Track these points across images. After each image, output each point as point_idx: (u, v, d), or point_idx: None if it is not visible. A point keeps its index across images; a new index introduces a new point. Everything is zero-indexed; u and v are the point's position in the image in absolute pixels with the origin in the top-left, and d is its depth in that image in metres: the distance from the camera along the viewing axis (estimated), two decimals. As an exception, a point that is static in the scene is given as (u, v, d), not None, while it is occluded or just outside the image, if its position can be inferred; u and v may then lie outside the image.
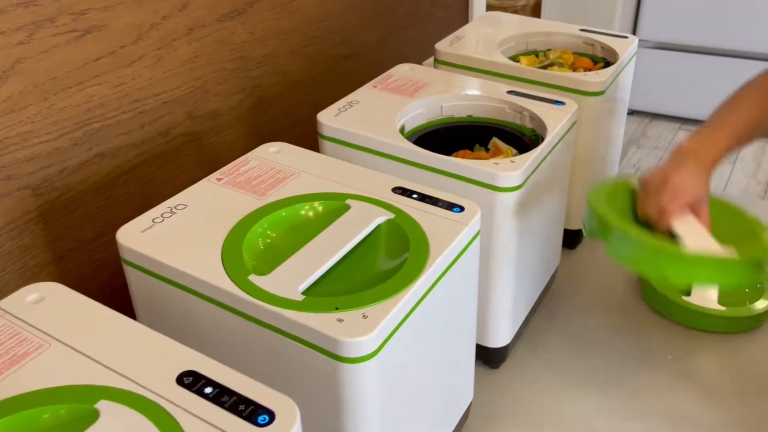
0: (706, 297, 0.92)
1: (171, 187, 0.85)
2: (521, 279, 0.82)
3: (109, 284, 0.79)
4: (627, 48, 1.06)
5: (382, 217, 0.63)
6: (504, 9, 2.93)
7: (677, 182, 0.74)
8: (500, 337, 0.84)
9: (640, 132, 3.12)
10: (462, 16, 1.46)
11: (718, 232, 0.75)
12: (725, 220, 0.78)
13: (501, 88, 0.91)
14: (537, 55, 1.11)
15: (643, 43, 3.12)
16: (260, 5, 0.91)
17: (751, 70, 0.82)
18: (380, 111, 0.84)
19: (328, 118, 0.82)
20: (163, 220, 0.62)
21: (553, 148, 0.81)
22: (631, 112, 3.28)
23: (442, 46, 1.05)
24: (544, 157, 0.79)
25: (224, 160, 0.92)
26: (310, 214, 0.64)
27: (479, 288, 0.79)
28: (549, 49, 1.13)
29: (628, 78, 1.10)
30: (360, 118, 0.82)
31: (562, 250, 1.08)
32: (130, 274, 0.60)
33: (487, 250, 0.77)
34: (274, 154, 0.74)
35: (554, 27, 1.14)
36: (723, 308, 0.90)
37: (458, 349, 0.70)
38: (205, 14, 0.83)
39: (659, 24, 2.97)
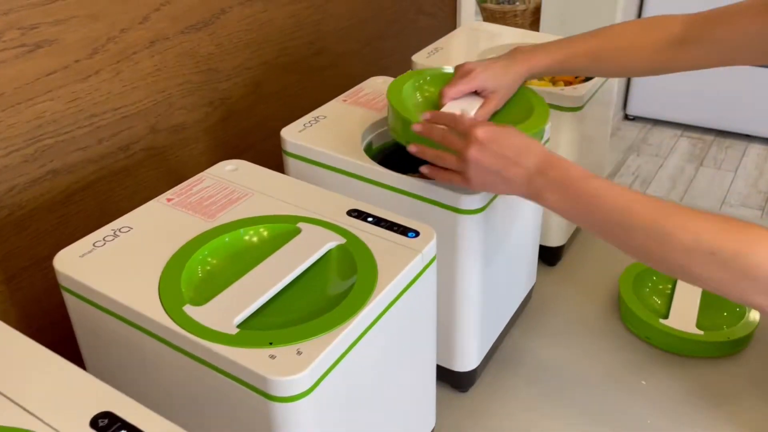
0: (685, 320, 0.90)
1: (132, 202, 0.83)
2: (489, 300, 0.80)
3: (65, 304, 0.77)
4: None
5: (333, 242, 0.61)
6: (503, 14, 2.90)
7: (472, 67, 0.77)
8: (468, 360, 0.82)
9: (641, 138, 3.08)
10: (449, 25, 1.44)
11: (506, 115, 0.80)
12: (519, 104, 0.80)
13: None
14: (518, 68, 1.09)
15: (644, 49, 3.09)
16: (228, 17, 0.89)
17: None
18: (347, 127, 0.81)
19: (291, 134, 0.80)
20: (104, 243, 0.60)
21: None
22: (632, 118, 3.24)
23: (419, 57, 1.03)
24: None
25: (190, 174, 0.89)
26: (255, 239, 0.62)
27: (444, 310, 0.77)
28: (531, 61, 1.10)
29: (613, 91, 1.07)
30: (325, 134, 0.80)
31: (540, 267, 1.06)
32: (69, 300, 0.58)
33: (450, 272, 0.74)
34: (230, 172, 0.72)
35: (538, 37, 1.12)
36: (701, 332, 0.88)
37: (415, 377, 0.68)
38: (168, 26, 0.81)
39: (661, 29, 2.94)
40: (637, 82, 3.09)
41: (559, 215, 0.64)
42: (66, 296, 0.58)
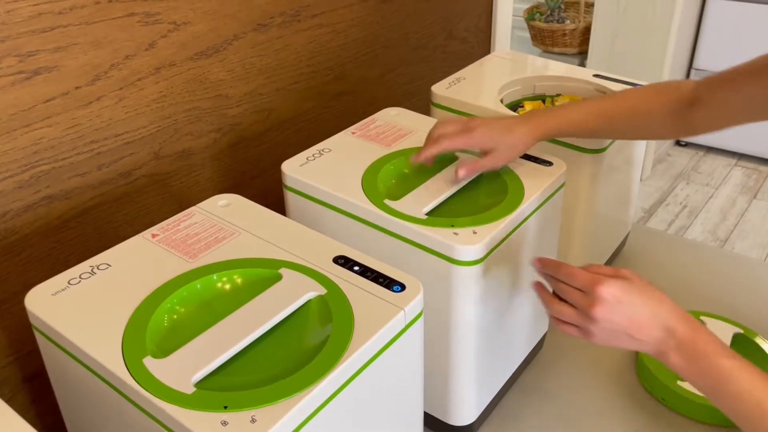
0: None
1: (133, 228, 0.82)
2: (489, 352, 0.76)
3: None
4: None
5: (312, 293, 0.58)
6: (551, 32, 2.83)
7: (474, 123, 0.76)
8: (464, 414, 0.78)
9: (692, 166, 2.96)
10: (483, 50, 1.40)
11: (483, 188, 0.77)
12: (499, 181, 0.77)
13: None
14: (544, 101, 1.04)
15: (699, 73, 2.96)
16: (241, 43, 0.87)
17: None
18: (350, 163, 0.79)
19: (292, 168, 0.78)
20: (80, 281, 0.59)
21: (530, 215, 0.74)
22: (684, 145, 3.11)
23: (439, 88, 0.99)
24: (517, 226, 0.72)
25: (196, 200, 0.88)
26: (228, 287, 0.59)
27: (440, 362, 0.73)
28: (558, 95, 1.05)
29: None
30: (327, 169, 0.77)
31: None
32: (39, 339, 0.57)
33: (446, 322, 0.71)
34: (222, 208, 0.70)
35: (566, 71, 1.07)
36: (722, 399, 0.81)
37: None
38: (175, 53, 0.80)
39: (717, 53, 2.82)
40: (690, 107, 2.97)
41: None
42: (36, 335, 0.57)
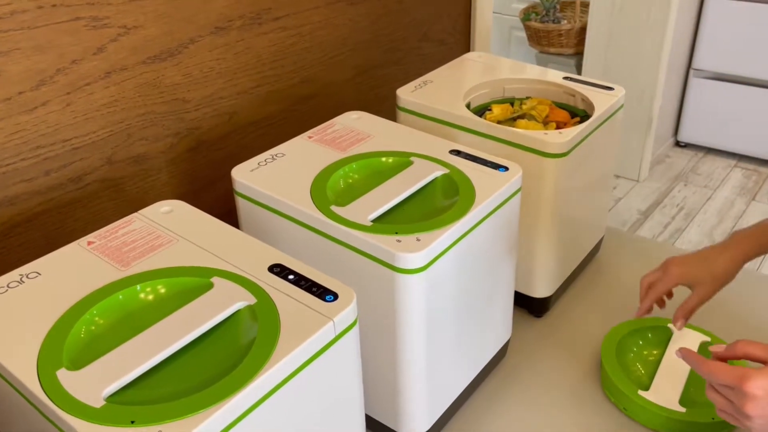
0: (667, 394, 0.81)
1: (84, 234, 0.81)
2: (439, 361, 0.74)
3: None
4: (608, 102, 0.95)
5: (241, 303, 0.57)
6: (547, 33, 2.81)
7: (669, 263, 0.83)
8: (416, 423, 0.76)
9: (690, 167, 2.92)
10: (461, 52, 1.38)
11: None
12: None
13: (445, 146, 0.83)
14: (512, 104, 1.02)
15: (698, 73, 2.93)
16: (198, 46, 0.87)
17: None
18: (302, 168, 0.77)
19: (242, 174, 0.77)
20: (6, 290, 0.58)
21: (480, 221, 0.72)
22: (684, 145, 3.08)
23: (404, 91, 0.98)
24: (466, 233, 0.70)
25: (153, 203, 0.88)
26: (152, 297, 0.58)
27: (388, 371, 0.72)
28: (527, 98, 1.03)
29: (612, 132, 0.99)
30: (277, 175, 0.76)
31: (524, 318, 0.99)
32: (-38, 348, 0.56)
33: (392, 331, 0.69)
34: (164, 215, 0.69)
35: (536, 73, 1.05)
36: (683, 409, 0.79)
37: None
38: (127, 57, 0.79)
39: (716, 53, 2.78)
40: (689, 106, 2.94)
41: None
42: (-40, 344, 0.56)
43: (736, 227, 2.50)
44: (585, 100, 0.98)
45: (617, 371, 0.84)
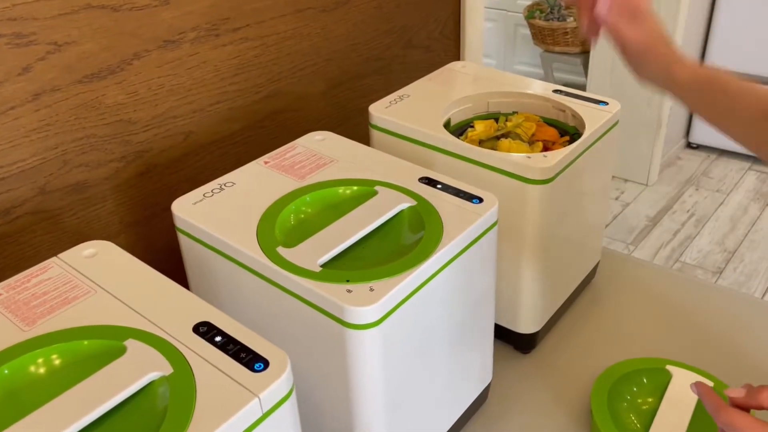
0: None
1: (17, 272, 0.73)
2: (404, 419, 0.66)
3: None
4: (600, 120, 0.86)
5: (154, 373, 0.49)
6: (552, 31, 2.70)
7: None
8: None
9: (702, 170, 2.81)
10: (450, 58, 1.29)
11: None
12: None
13: (416, 172, 0.75)
14: (497, 120, 0.94)
15: (711, 72, 2.81)
16: (143, 62, 0.79)
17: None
18: (252, 200, 0.69)
19: (183, 208, 0.69)
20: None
21: (448, 263, 0.64)
22: (696, 147, 2.97)
23: (377, 107, 0.90)
24: (431, 277, 0.62)
25: (97, 234, 0.80)
26: (45, 369, 0.50)
27: (346, 427, 0.64)
28: (514, 112, 0.95)
29: (605, 153, 0.90)
30: (222, 209, 0.68)
31: (510, 355, 0.91)
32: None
33: (345, 391, 0.61)
34: (86, 259, 0.61)
35: (524, 85, 0.96)
36: (680, 471, 0.70)
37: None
38: (59, 76, 0.71)
39: (730, 51, 2.66)
40: (700, 108, 2.82)
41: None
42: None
43: (749, 235, 2.39)
44: (576, 116, 0.89)
45: (608, 423, 0.75)
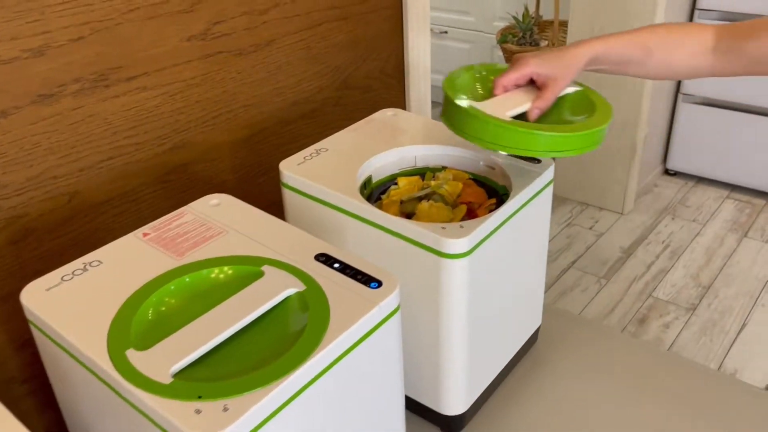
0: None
1: None
2: None
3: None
4: (529, 180, 0.78)
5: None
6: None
7: (524, 56, 0.77)
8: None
9: (679, 199, 2.73)
10: (393, 97, 1.21)
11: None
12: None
13: (314, 247, 0.66)
14: (423, 176, 0.85)
15: (687, 98, 2.75)
16: (12, 120, 0.70)
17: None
18: (114, 286, 0.60)
19: (33, 295, 0.60)
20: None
21: (330, 366, 0.55)
22: (673, 174, 2.90)
23: (289, 164, 0.81)
24: (303, 387, 0.53)
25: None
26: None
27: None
28: (443, 168, 0.87)
29: (537, 215, 0.82)
30: (79, 298, 0.59)
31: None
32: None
33: None
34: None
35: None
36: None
37: None
38: None
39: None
40: (678, 132, 2.76)
41: None
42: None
43: (725, 269, 2.32)
44: (506, 175, 0.81)
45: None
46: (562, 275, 2.30)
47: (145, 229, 0.68)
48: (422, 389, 0.80)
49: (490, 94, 0.77)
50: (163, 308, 0.58)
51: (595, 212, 2.65)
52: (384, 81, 1.18)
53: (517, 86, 0.78)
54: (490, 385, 0.85)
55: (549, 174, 0.81)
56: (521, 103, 0.74)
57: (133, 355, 0.53)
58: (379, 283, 0.61)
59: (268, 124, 1.00)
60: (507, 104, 0.73)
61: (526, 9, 2.56)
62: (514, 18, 2.54)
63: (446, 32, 3.33)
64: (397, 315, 0.61)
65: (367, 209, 0.73)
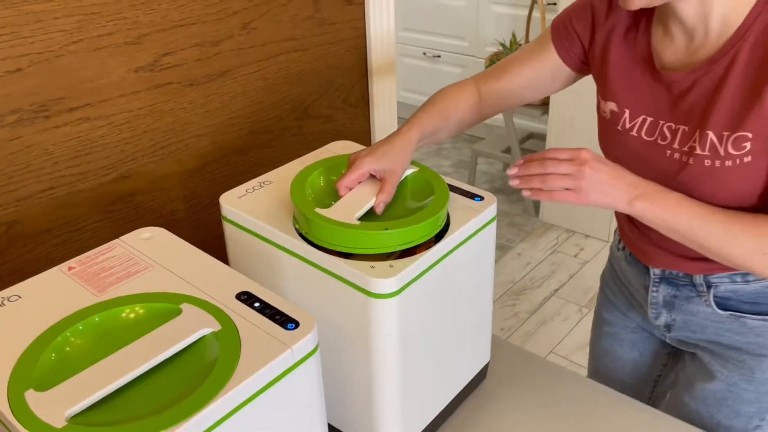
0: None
1: None
2: None
3: None
4: (468, 218, 0.77)
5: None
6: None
7: (357, 155, 0.80)
8: None
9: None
10: (358, 126, 1.22)
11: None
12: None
13: (237, 284, 0.65)
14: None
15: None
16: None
17: None
18: (26, 324, 0.59)
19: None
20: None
21: (240, 406, 0.54)
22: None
23: (230, 197, 0.81)
24: (213, 426, 0.52)
25: None
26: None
27: None
28: (388, 202, 0.86)
29: (478, 253, 0.81)
30: (-7, 333, 0.59)
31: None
32: None
33: None
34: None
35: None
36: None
37: None
38: None
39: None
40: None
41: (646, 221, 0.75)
42: None
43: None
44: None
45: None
46: (545, 303, 2.29)
47: (71, 262, 0.68)
48: (358, 427, 0.79)
49: (332, 188, 0.79)
50: (68, 348, 0.57)
51: (580, 239, 2.64)
52: (347, 111, 1.18)
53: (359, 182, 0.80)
54: (431, 423, 0.83)
55: (490, 212, 0.80)
56: (366, 200, 0.77)
57: (31, 396, 0.52)
58: (296, 324, 0.60)
59: (222, 154, 1.00)
60: (354, 206, 0.75)
61: (514, 36, 2.58)
62: (501, 44, 2.56)
63: (439, 56, 3.35)
64: (315, 356, 0.60)
65: (299, 245, 0.73)
